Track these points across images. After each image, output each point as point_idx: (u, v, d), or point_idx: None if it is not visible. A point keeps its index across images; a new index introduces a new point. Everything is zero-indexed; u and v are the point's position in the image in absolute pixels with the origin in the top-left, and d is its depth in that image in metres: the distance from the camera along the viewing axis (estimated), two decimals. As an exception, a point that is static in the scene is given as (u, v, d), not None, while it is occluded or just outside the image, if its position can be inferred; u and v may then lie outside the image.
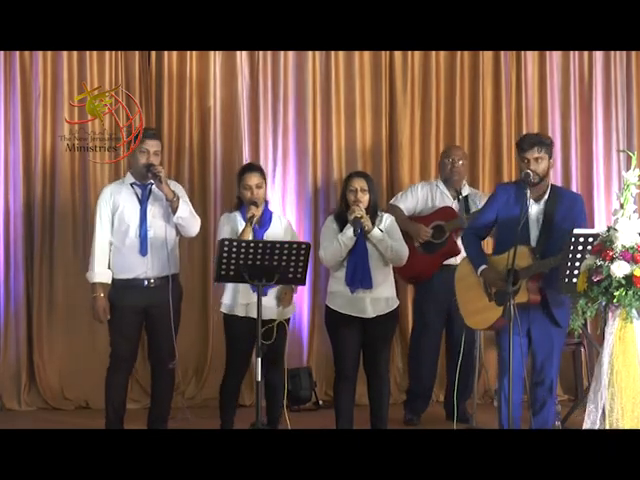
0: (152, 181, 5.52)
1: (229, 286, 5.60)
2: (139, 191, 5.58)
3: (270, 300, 5.50)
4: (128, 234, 5.52)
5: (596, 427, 4.49)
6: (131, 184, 5.59)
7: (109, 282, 5.55)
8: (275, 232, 5.62)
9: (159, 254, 5.52)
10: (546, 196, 5.14)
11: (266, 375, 5.43)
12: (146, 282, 5.52)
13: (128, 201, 5.56)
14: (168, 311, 5.45)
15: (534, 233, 5.09)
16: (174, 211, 5.49)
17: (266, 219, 5.66)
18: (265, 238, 5.51)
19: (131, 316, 5.53)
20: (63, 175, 6.82)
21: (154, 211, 5.55)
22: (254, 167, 5.79)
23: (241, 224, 5.57)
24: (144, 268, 5.51)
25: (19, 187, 6.79)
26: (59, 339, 6.87)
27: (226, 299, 5.63)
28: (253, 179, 5.61)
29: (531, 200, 5.05)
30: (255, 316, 5.12)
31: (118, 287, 5.54)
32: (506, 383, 5.03)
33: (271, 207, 5.86)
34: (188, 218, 5.57)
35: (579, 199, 5.29)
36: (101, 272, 5.53)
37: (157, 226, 5.53)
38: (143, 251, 5.50)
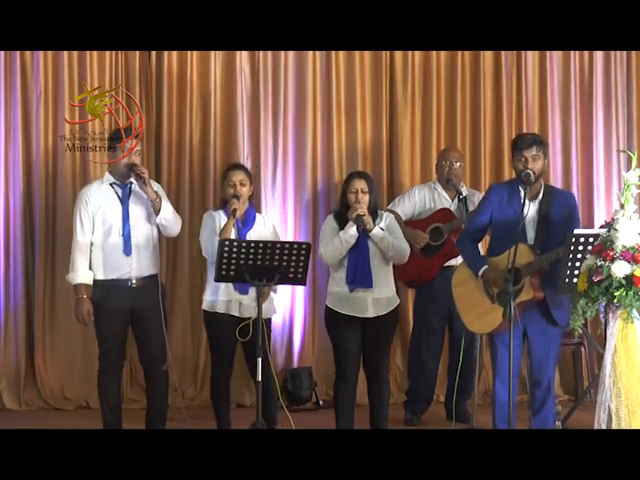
0: (132, 180, 5.51)
1: (210, 283, 5.58)
2: (119, 191, 5.55)
3: (251, 299, 5.48)
4: (111, 234, 5.49)
5: (604, 427, 4.50)
6: (111, 184, 5.57)
7: (91, 283, 5.52)
8: (259, 232, 5.62)
9: (143, 253, 5.51)
10: (540, 195, 5.15)
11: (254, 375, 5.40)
12: (130, 282, 5.50)
13: (109, 201, 5.53)
14: (156, 312, 5.45)
15: (530, 233, 5.09)
16: (157, 212, 5.49)
17: (250, 218, 5.68)
18: (248, 237, 5.51)
19: (117, 317, 5.50)
20: (63, 175, 6.82)
21: (136, 210, 5.53)
22: (238, 166, 5.89)
23: (223, 220, 5.59)
24: (128, 268, 5.48)
25: (19, 187, 6.79)
26: (59, 339, 6.86)
27: (208, 295, 5.64)
28: (237, 176, 5.65)
29: (526, 200, 5.06)
30: (236, 314, 5.51)
31: (102, 288, 5.50)
32: (499, 384, 5.04)
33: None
34: (171, 219, 5.58)
35: (572, 197, 5.37)
36: (83, 273, 5.50)
37: (140, 225, 5.52)
38: (127, 250, 5.48)
